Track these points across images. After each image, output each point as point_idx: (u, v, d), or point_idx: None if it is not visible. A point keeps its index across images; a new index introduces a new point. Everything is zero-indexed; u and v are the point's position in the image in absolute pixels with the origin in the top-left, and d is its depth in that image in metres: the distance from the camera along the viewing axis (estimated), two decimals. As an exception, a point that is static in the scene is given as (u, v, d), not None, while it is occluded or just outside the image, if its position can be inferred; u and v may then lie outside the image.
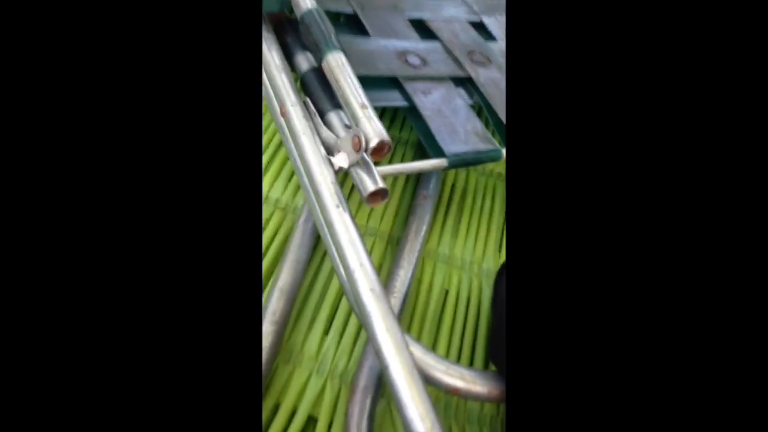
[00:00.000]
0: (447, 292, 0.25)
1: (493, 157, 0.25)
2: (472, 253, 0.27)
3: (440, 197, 0.29)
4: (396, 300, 0.23)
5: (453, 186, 0.30)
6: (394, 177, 0.29)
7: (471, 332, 0.24)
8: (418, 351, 0.18)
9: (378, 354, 0.17)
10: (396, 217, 0.27)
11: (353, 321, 0.22)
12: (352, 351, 0.21)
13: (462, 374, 0.18)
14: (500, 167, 0.32)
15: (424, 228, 0.26)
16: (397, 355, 0.17)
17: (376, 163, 0.21)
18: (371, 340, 0.17)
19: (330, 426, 0.19)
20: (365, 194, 0.20)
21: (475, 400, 0.19)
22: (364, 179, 0.20)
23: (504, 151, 0.26)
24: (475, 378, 0.18)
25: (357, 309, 0.19)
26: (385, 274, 0.24)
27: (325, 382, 0.20)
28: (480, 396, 0.18)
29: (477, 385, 0.18)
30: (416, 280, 0.25)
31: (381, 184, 0.20)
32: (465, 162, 0.24)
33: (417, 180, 0.28)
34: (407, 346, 0.17)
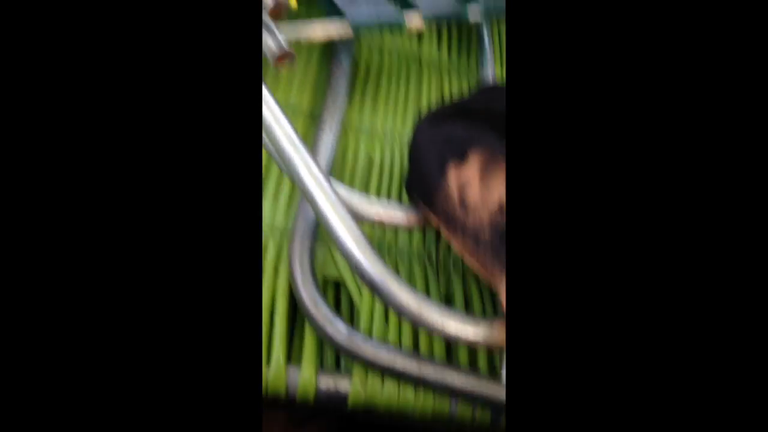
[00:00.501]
0: (372, 160, 0.27)
1: (393, 23, 0.26)
2: (392, 125, 0.29)
3: (356, 77, 0.30)
4: (323, 166, 0.24)
5: (368, 68, 0.31)
6: (308, 55, 0.29)
7: (396, 193, 0.26)
8: (343, 191, 0.20)
9: (307, 197, 0.19)
10: (314, 93, 0.28)
11: (286, 184, 0.24)
12: (287, 212, 0.23)
13: (383, 206, 0.20)
14: (411, 50, 0.33)
15: (342, 99, 0.27)
16: (324, 195, 0.18)
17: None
18: (299, 187, 0.19)
19: (276, 270, 0.21)
20: (272, 57, 0.21)
21: (396, 227, 0.22)
22: (270, 43, 0.21)
23: (405, 18, 0.27)
24: (394, 208, 0.20)
25: (281, 162, 0.20)
26: (310, 146, 0.25)
27: (267, 238, 0.22)
28: (400, 221, 0.20)
29: (396, 213, 0.20)
30: (341, 151, 0.26)
31: (285, 46, 0.21)
32: (367, 25, 0.25)
33: (329, 59, 0.29)
34: (332, 186, 0.18)
